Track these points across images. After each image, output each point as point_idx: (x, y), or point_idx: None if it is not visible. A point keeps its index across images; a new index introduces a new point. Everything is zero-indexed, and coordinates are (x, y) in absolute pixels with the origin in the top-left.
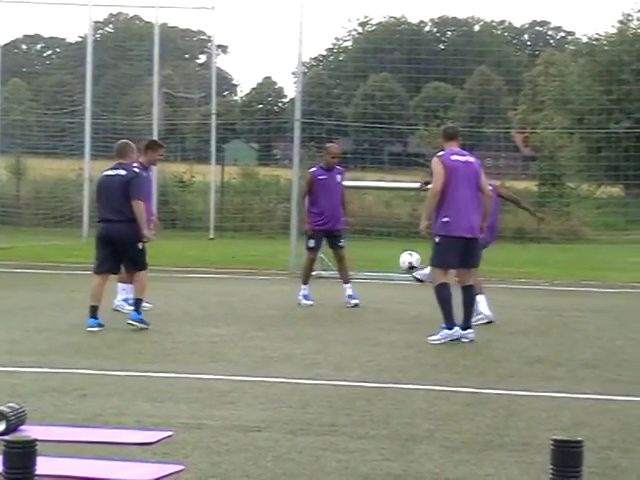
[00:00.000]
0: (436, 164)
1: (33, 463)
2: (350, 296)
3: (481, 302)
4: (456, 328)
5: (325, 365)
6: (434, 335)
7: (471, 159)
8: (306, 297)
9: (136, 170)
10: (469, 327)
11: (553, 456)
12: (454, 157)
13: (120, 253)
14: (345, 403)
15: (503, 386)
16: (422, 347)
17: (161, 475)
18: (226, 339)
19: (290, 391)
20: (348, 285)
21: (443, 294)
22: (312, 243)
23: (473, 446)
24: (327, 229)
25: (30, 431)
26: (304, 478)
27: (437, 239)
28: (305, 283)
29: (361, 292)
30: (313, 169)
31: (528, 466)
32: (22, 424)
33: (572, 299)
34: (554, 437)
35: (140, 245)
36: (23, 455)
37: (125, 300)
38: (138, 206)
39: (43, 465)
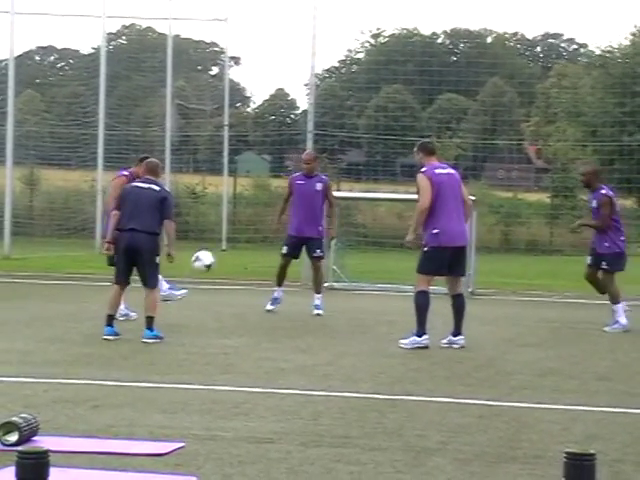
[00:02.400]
0: (422, 180)
1: (46, 474)
2: (316, 306)
3: (618, 311)
4: (425, 336)
5: (337, 377)
6: (404, 339)
7: (452, 171)
8: (275, 300)
9: (168, 190)
10: (459, 333)
11: (566, 469)
12: (438, 171)
13: (138, 264)
14: (357, 415)
15: (516, 398)
16: (434, 359)
17: None
18: (239, 350)
19: (302, 403)
20: (319, 295)
21: (421, 301)
22: (285, 249)
23: (485, 458)
24: (299, 236)
25: (43, 442)
26: None
27: (426, 248)
28: (279, 285)
29: (374, 304)
30: (295, 174)
31: (541, 479)
32: (35, 435)
33: (585, 312)
34: (567, 450)
35: (157, 260)
36: (36, 466)
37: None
38: (171, 226)
39: (56, 476)
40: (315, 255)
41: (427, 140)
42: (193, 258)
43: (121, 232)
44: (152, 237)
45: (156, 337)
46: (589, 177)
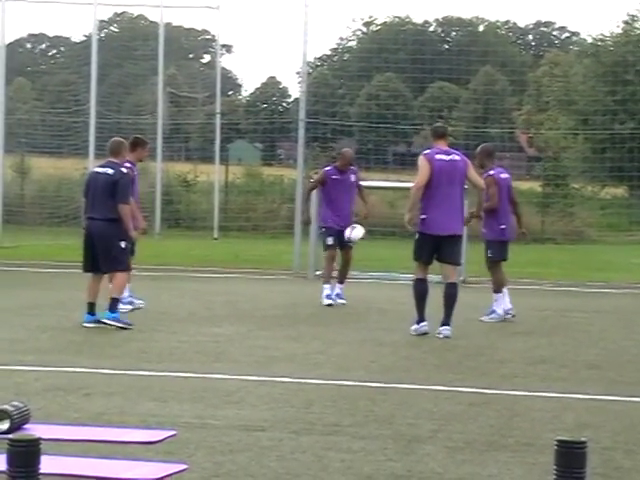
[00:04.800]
0: (422, 161)
1: (37, 462)
2: (338, 295)
3: (497, 300)
4: (423, 323)
5: (329, 365)
6: (412, 326)
7: (456, 157)
8: (328, 297)
9: (124, 170)
10: (446, 324)
11: (557, 457)
12: (439, 156)
13: (97, 251)
14: (349, 403)
15: (507, 387)
16: (426, 347)
17: (165, 474)
18: (230, 339)
19: (294, 391)
20: (342, 285)
21: (417, 288)
22: (330, 240)
23: (476, 446)
24: (340, 227)
25: (34, 430)
26: (307, 478)
27: (417, 235)
28: (327, 283)
29: (365, 292)
30: (327, 168)
31: (531, 467)
32: (26, 423)
33: (576, 300)
34: (558, 438)
35: (123, 244)
36: (27, 454)
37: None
38: (123, 210)
39: (47, 464)
40: (350, 244)
41: (439, 124)
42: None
43: (86, 220)
44: (107, 223)
45: (116, 320)
46: (480, 157)
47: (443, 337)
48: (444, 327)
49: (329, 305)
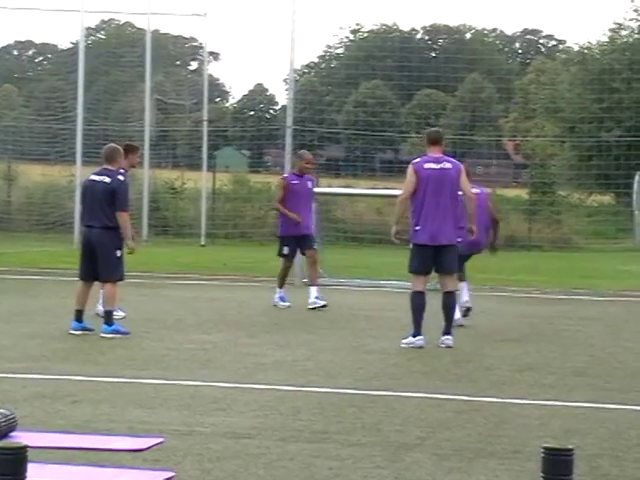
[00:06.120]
0: (408, 171)
1: (24, 469)
2: (317, 297)
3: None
4: (419, 337)
5: (316, 372)
6: (405, 339)
7: (448, 165)
8: (282, 299)
9: (121, 178)
10: (448, 333)
11: (544, 464)
12: (428, 165)
13: (97, 259)
14: (336, 410)
15: (494, 394)
16: (413, 354)
17: None
18: (218, 346)
19: (281, 398)
20: (315, 288)
21: (414, 302)
22: (286, 250)
23: (464, 454)
24: (299, 234)
25: (21, 437)
26: None
27: (411, 245)
28: (281, 287)
29: (352, 299)
30: (286, 175)
31: (519, 474)
32: (13, 430)
33: (563, 307)
34: (545, 445)
35: (118, 253)
36: (14, 461)
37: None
38: (122, 217)
39: (34, 471)
40: (314, 247)
41: (434, 129)
42: None
43: (84, 228)
44: (106, 232)
45: (116, 331)
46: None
47: (446, 347)
48: (446, 337)
49: (286, 307)
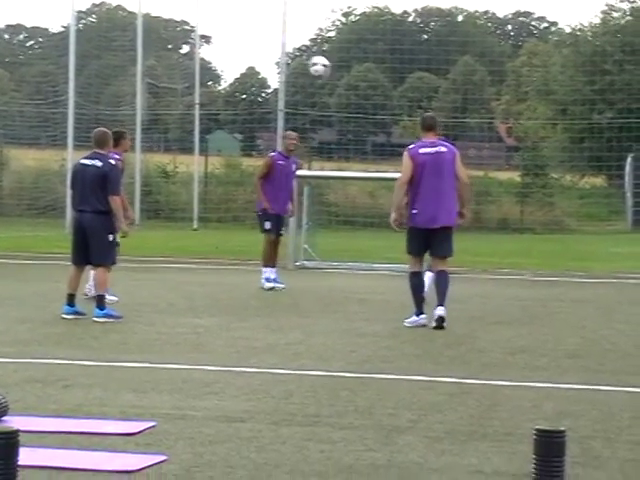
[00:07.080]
0: (404, 157)
1: (16, 454)
2: (275, 280)
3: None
4: (423, 316)
5: (309, 355)
6: (408, 318)
7: (443, 149)
8: (268, 280)
9: (112, 162)
10: (441, 304)
11: (536, 446)
12: (423, 150)
13: (90, 244)
14: (329, 393)
15: (487, 376)
16: (405, 337)
17: (144, 465)
18: (210, 330)
19: (273, 382)
20: (274, 269)
21: (412, 282)
22: (268, 225)
23: (456, 436)
24: (278, 213)
25: (12, 422)
26: (287, 468)
27: (408, 229)
28: (267, 266)
29: (345, 282)
30: (273, 153)
31: (511, 456)
32: (4, 415)
33: (556, 289)
34: (537, 427)
35: (110, 237)
36: (6, 446)
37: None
38: (115, 201)
39: (26, 456)
40: (281, 232)
41: (429, 114)
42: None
43: (76, 212)
44: (98, 216)
45: (108, 316)
46: None
47: (438, 317)
48: (439, 307)
49: (270, 289)
